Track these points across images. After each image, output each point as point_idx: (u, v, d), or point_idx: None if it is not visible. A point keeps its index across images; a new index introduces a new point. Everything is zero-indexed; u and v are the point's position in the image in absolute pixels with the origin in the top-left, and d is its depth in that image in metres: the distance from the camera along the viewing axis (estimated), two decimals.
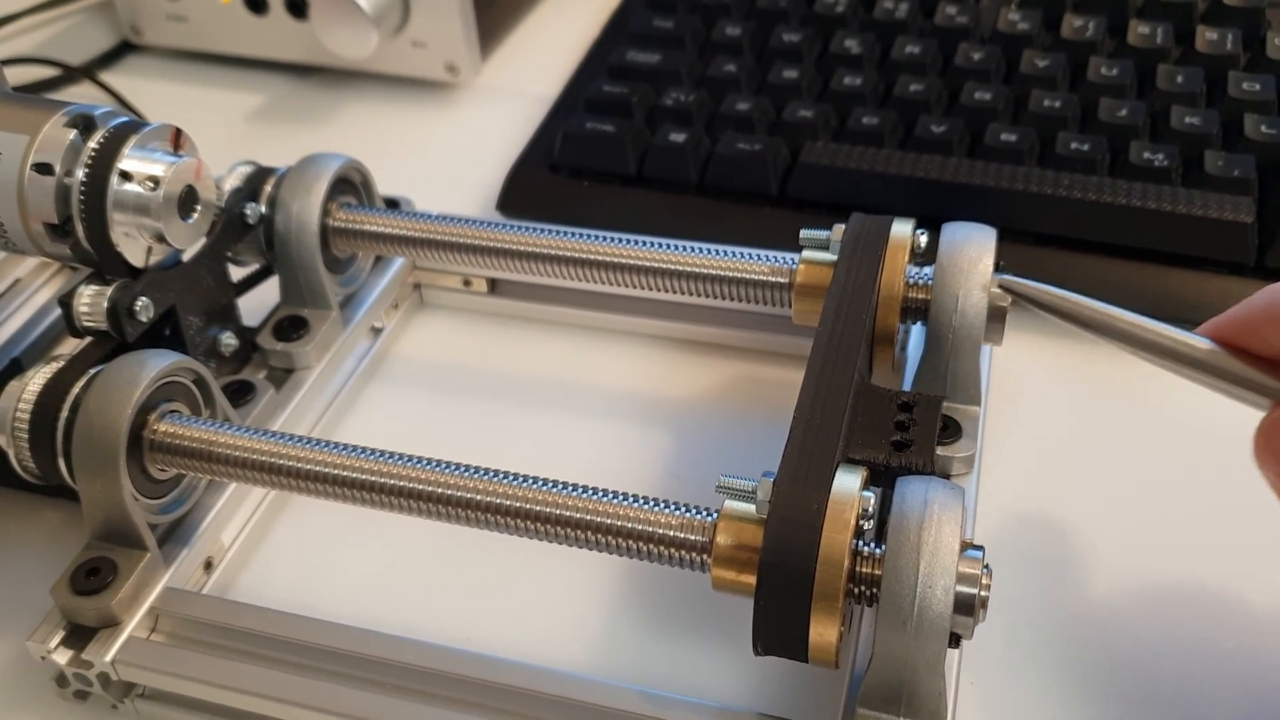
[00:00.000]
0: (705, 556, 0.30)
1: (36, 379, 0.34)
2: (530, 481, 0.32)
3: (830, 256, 0.37)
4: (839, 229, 0.38)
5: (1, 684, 0.35)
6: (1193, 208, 0.43)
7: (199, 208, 0.37)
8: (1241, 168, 0.44)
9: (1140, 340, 0.31)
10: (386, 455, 0.33)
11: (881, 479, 0.32)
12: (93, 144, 0.35)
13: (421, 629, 0.34)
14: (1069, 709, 0.33)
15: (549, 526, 0.32)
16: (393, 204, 0.46)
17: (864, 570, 0.28)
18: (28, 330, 0.42)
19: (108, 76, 0.62)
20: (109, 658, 0.33)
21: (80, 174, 0.34)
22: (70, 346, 0.42)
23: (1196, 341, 0.30)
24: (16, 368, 0.40)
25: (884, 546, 0.28)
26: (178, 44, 0.62)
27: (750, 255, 0.39)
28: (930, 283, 0.36)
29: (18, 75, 0.61)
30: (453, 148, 0.56)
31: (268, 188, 0.41)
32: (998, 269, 0.36)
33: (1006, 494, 0.39)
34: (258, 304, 0.43)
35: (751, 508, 0.30)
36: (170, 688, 0.33)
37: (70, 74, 0.62)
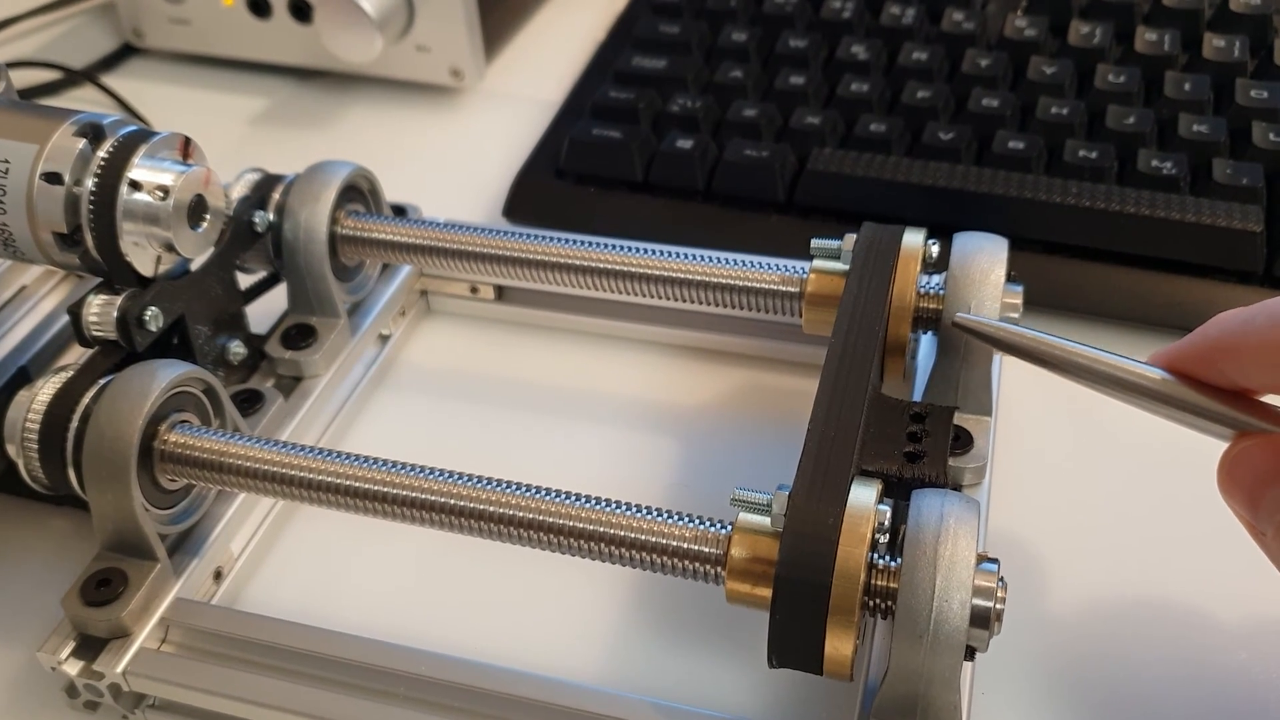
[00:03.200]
0: (720, 569, 0.30)
1: (46, 389, 0.34)
2: (542, 493, 0.32)
3: (841, 266, 0.37)
4: (850, 239, 0.37)
5: (12, 694, 0.35)
6: (1201, 216, 0.43)
7: (208, 217, 0.37)
8: (1250, 176, 0.44)
9: (1097, 374, 0.31)
10: (396, 466, 0.33)
11: (894, 490, 0.32)
12: (102, 153, 0.34)
13: (431, 639, 0.34)
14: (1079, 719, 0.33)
15: (561, 538, 0.32)
16: (400, 211, 0.46)
17: (879, 583, 0.28)
18: (34, 338, 0.42)
19: (110, 80, 0.61)
20: (120, 669, 0.33)
21: (89, 183, 0.34)
22: (76, 354, 0.41)
23: (1150, 373, 0.30)
24: (24, 376, 0.39)
25: (899, 560, 0.28)
26: (180, 47, 0.62)
27: (761, 264, 0.39)
28: (941, 292, 0.36)
29: (19, 78, 0.61)
30: (457, 153, 0.56)
31: (276, 195, 0.41)
32: (1009, 279, 0.36)
33: (1016, 504, 0.39)
34: (265, 311, 0.42)
35: (766, 520, 0.30)
36: (181, 698, 0.33)
37: (72, 77, 0.61)
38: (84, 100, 0.61)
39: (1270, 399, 0.30)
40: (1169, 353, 0.30)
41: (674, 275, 0.39)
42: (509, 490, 0.32)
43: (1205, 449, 0.39)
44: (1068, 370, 0.32)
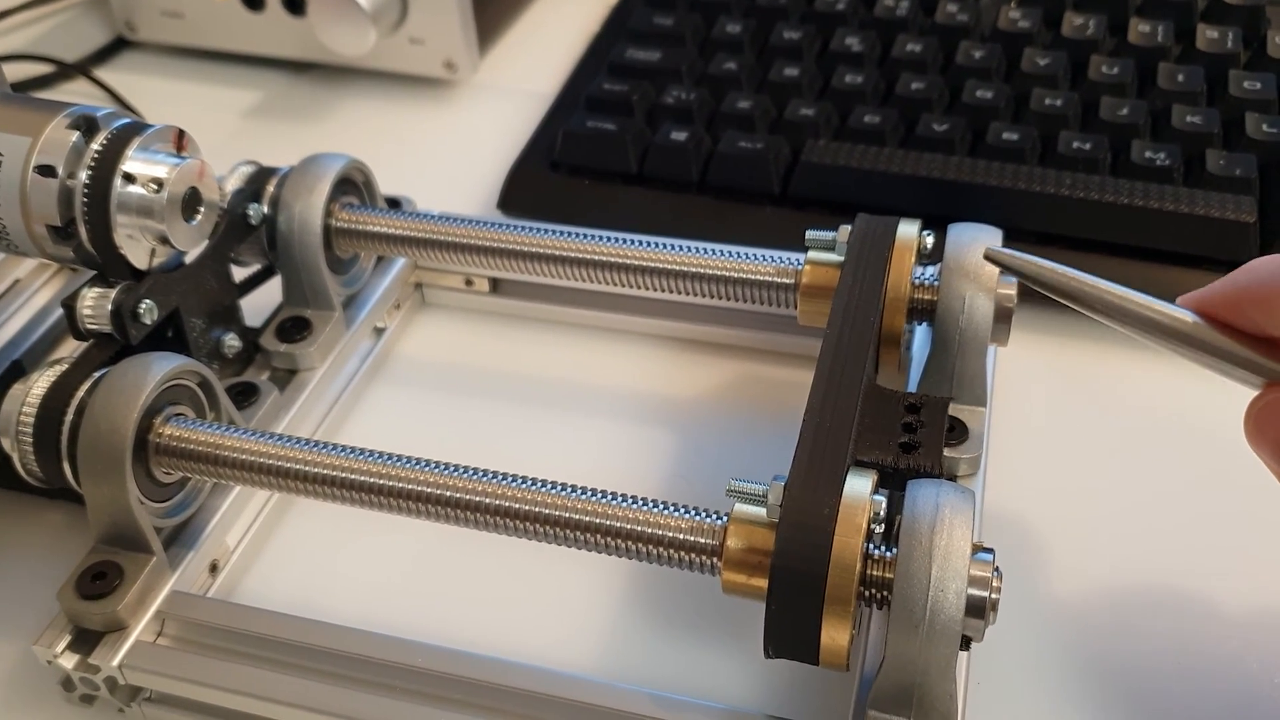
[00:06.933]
0: (716, 560, 0.30)
1: (40, 382, 0.34)
2: (538, 485, 0.32)
3: (836, 258, 0.37)
4: (845, 230, 0.37)
5: (7, 687, 0.35)
6: (1195, 207, 0.43)
7: (202, 209, 0.37)
8: (1243, 167, 0.44)
9: (1125, 313, 0.31)
10: (392, 458, 0.33)
11: (889, 481, 0.32)
12: (96, 146, 0.34)
13: (428, 631, 0.34)
14: (1074, 708, 0.33)
15: (558, 530, 0.32)
16: (394, 204, 0.46)
17: (875, 574, 0.29)
18: (28, 332, 0.42)
19: (103, 73, 0.61)
20: (116, 662, 0.33)
21: (83, 176, 0.34)
22: (70, 347, 0.41)
23: (1181, 315, 0.30)
24: (18, 370, 0.39)
25: (895, 550, 0.28)
26: (173, 40, 0.62)
27: (755, 256, 0.39)
28: (936, 283, 0.36)
29: (11, 72, 0.60)
30: (451, 145, 0.56)
31: (270, 188, 0.41)
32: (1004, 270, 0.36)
33: (1011, 494, 0.39)
34: (260, 304, 0.42)
35: (762, 511, 0.30)
36: (177, 691, 0.33)
37: (65, 70, 0.61)
38: (77, 94, 0.61)
39: None
40: (1199, 296, 0.30)
41: (669, 267, 0.39)
42: (505, 482, 0.32)
43: (1200, 437, 0.40)
44: (1096, 308, 0.31)
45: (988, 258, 0.34)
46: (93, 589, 0.33)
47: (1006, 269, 0.34)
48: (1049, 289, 0.32)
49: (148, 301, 0.36)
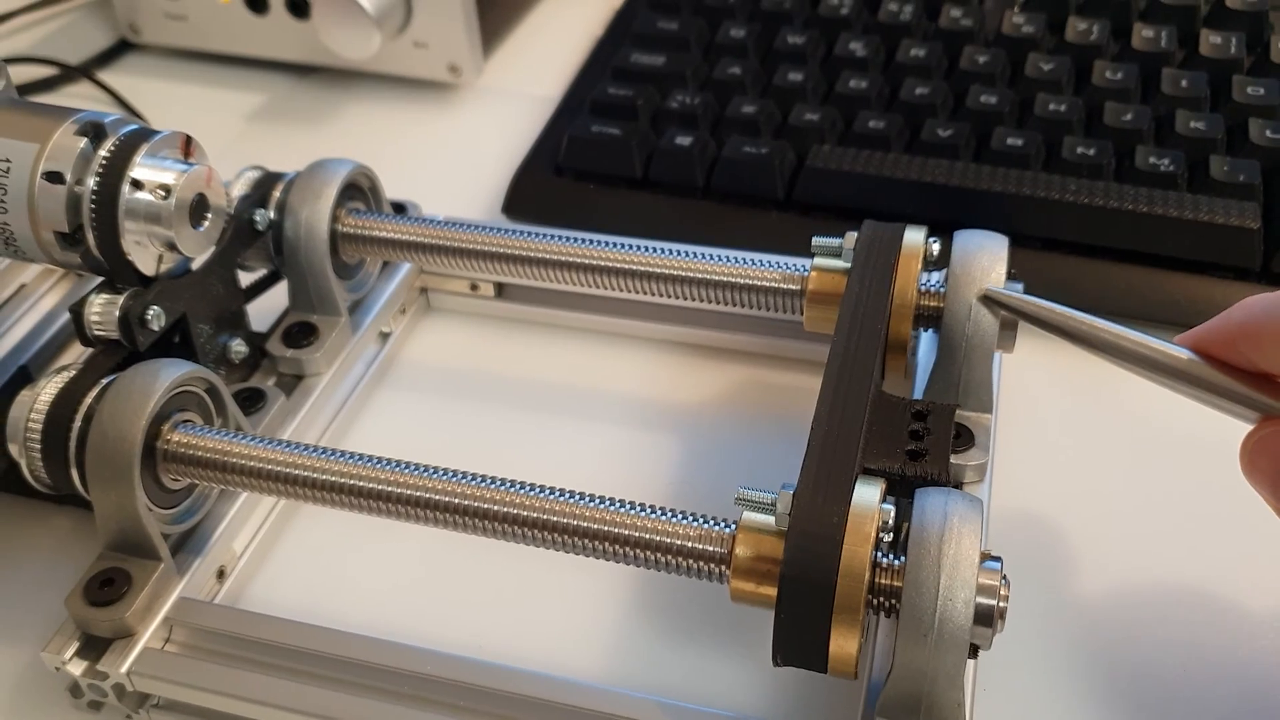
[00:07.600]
0: (724, 568, 0.30)
1: (48, 389, 0.34)
2: (545, 492, 0.32)
3: (843, 264, 0.37)
4: (851, 236, 0.38)
5: (15, 694, 0.35)
6: (1199, 213, 0.44)
7: (210, 215, 0.37)
8: (1247, 173, 0.45)
9: (1123, 351, 0.32)
10: (398, 464, 0.33)
11: (896, 488, 0.33)
12: (104, 152, 0.34)
13: (434, 638, 0.34)
14: (1082, 715, 0.33)
15: (565, 537, 0.32)
16: (400, 208, 0.46)
17: (884, 582, 0.29)
18: (34, 337, 0.42)
19: (106, 75, 0.61)
20: (124, 669, 0.33)
21: (91, 183, 0.34)
22: (77, 353, 0.41)
23: (1176, 353, 0.31)
24: (25, 375, 0.39)
25: (903, 558, 0.28)
26: (177, 43, 0.62)
27: (762, 262, 0.39)
28: (942, 290, 0.36)
29: (15, 74, 0.60)
30: (455, 149, 0.56)
31: (276, 193, 0.41)
32: (1009, 277, 0.36)
33: (1017, 500, 0.39)
34: (266, 309, 0.42)
35: (771, 519, 0.30)
36: (185, 698, 0.33)
37: (68, 73, 0.61)
38: (80, 96, 0.61)
39: None
40: (1194, 334, 0.31)
41: (674, 273, 0.39)
42: (512, 489, 0.32)
43: (1205, 443, 0.40)
44: (1094, 346, 0.32)
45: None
46: (101, 595, 0.33)
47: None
48: (1047, 328, 0.34)
49: (155, 308, 0.36)
